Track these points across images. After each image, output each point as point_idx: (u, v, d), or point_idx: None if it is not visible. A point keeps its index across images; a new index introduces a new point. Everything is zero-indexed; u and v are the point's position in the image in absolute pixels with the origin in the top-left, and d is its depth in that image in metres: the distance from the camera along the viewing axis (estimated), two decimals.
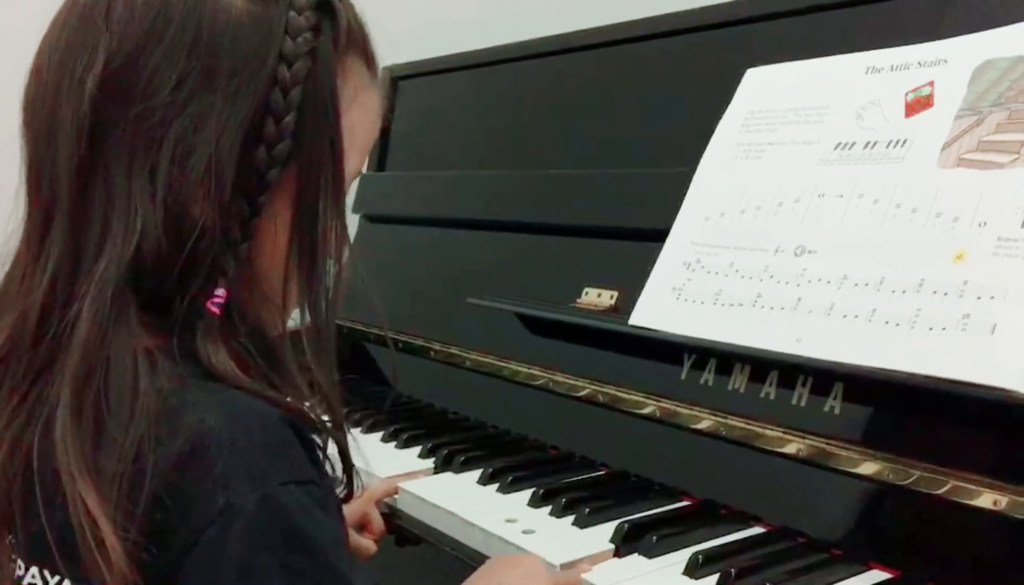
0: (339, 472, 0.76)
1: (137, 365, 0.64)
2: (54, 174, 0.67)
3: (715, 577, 0.87)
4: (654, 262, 1.15)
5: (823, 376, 0.97)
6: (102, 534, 0.60)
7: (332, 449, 0.75)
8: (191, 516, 0.62)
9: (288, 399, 0.70)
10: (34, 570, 0.67)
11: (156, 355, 0.66)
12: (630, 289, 1.17)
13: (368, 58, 0.76)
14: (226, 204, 0.67)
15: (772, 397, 1.02)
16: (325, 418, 0.74)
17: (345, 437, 0.77)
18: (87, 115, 0.66)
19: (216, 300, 0.68)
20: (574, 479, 1.13)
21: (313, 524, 0.65)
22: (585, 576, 0.90)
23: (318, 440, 0.72)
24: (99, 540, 0.61)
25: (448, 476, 1.17)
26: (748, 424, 1.03)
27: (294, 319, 0.74)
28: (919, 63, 1.01)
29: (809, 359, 0.94)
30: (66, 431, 0.63)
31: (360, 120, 0.75)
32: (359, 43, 0.75)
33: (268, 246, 0.71)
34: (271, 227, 0.70)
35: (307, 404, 0.71)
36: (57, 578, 0.66)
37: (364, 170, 1.82)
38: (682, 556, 0.91)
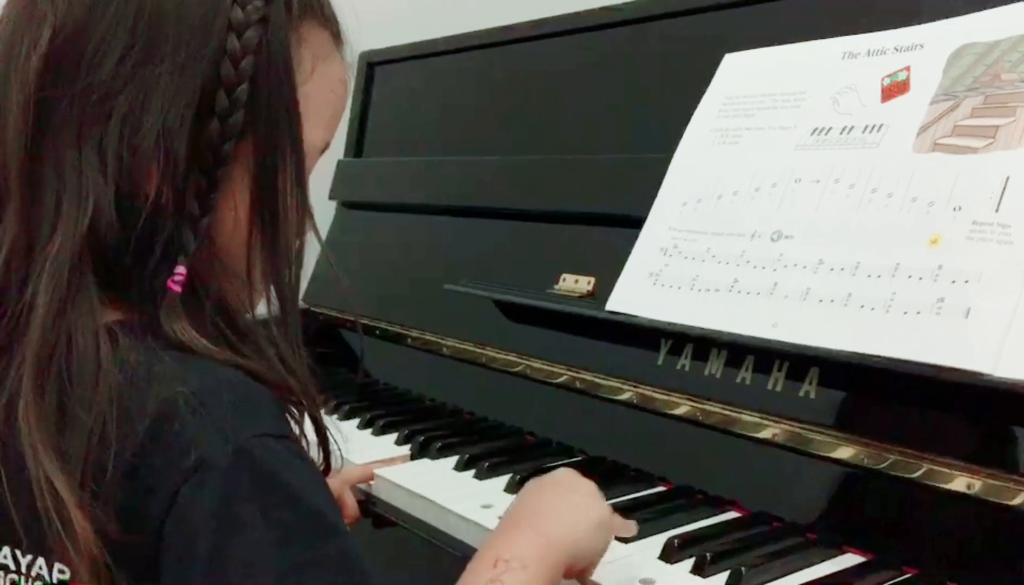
0: (314, 452, 0.75)
1: (99, 341, 0.63)
2: (4, 154, 0.66)
3: (691, 561, 0.87)
4: (631, 248, 1.14)
5: (799, 361, 0.97)
6: (69, 515, 0.59)
7: (308, 432, 0.74)
8: (162, 486, 0.60)
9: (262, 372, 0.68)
10: (5, 551, 0.66)
11: (118, 331, 0.65)
12: (607, 275, 1.17)
13: (329, 26, 0.75)
14: (181, 179, 0.66)
15: (748, 382, 1.02)
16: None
17: (318, 410, 0.75)
18: (33, 93, 0.65)
19: (177, 277, 0.67)
20: (551, 465, 1.13)
21: (292, 473, 0.63)
22: None
23: (295, 412, 0.71)
24: (66, 521, 0.60)
25: (425, 462, 1.17)
26: (724, 409, 1.03)
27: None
28: (895, 48, 1.01)
29: (785, 344, 0.94)
30: (29, 412, 0.62)
31: (321, 90, 0.74)
32: (316, 10, 0.73)
33: (229, 221, 0.70)
34: (231, 201, 0.69)
35: (280, 380, 0.70)
36: (29, 557, 0.65)
37: (342, 156, 1.83)
38: (658, 540, 0.91)
